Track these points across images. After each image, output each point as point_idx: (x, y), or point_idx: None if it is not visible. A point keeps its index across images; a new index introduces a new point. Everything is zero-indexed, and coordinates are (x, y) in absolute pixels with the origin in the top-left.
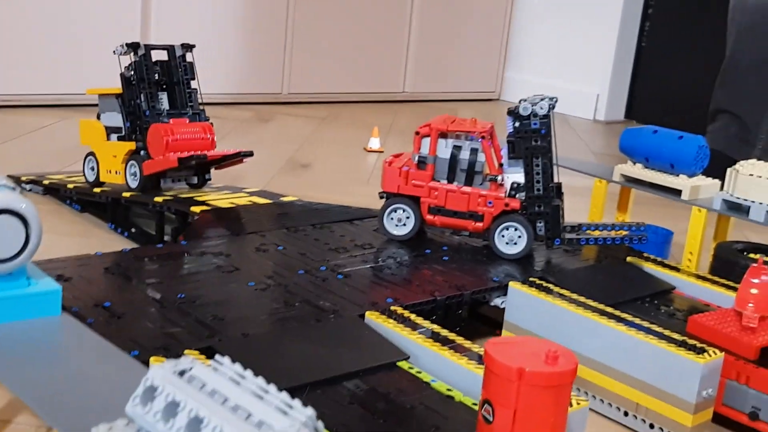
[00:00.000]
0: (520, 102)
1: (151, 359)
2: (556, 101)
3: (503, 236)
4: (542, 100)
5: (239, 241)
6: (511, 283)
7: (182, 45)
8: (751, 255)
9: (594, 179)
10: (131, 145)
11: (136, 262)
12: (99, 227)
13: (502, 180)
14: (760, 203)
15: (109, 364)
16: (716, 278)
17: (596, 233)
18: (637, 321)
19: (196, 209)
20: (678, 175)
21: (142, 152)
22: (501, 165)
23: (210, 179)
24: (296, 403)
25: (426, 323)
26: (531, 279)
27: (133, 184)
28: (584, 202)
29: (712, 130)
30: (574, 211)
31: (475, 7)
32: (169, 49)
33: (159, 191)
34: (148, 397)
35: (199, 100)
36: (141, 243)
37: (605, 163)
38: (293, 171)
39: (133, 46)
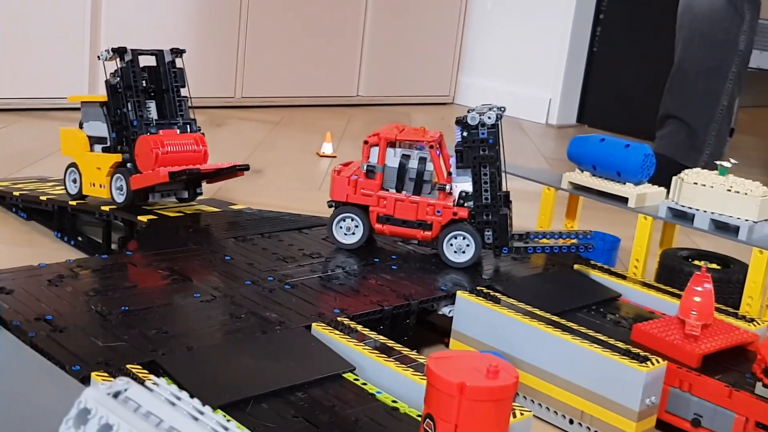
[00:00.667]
0: (468, 111)
1: (92, 375)
2: (504, 111)
3: (451, 245)
4: (490, 109)
5: (186, 252)
6: (458, 293)
7: (172, 50)
8: (696, 262)
9: (543, 186)
10: (117, 157)
11: (80, 273)
12: (45, 236)
13: (451, 189)
14: (705, 211)
15: (47, 382)
16: (661, 286)
17: (544, 242)
18: (583, 330)
19: (143, 218)
20: (624, 183)
21: (128, 165)
22: (450, 174)
23: (201, 193)
24: (232, 425)
25: (372, 334)
26: (478, 288)
27: (119, 198)
28: (534, 208)
29: (662, 135)
30: (524, 217)
31: (429, 12)
32: (158, 54)
33: (146, 206)
34: (81, 420)
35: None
36: (88, 252)
37: (557, 168)
38: (246, 177)
39: (119, 51)
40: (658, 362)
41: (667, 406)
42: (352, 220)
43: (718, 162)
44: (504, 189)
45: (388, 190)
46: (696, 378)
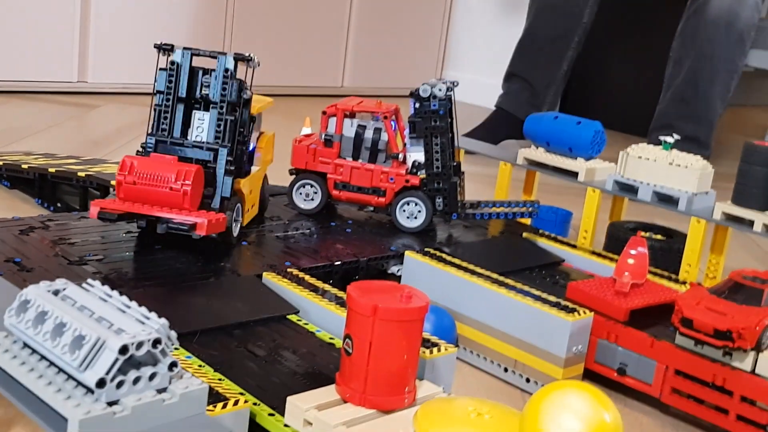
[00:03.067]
0: (421, 85)
1: None
2: (456, 84)
3: (404, 211)
4: (442, 83)
5: None
6: (407, 252)
7: (235, 56)
8: (640, 233)
9: (500, 163)
10: None
11: (50, 226)
12: (27, 203)
13: (404, 158)
14: (648, 184)
15: (3, 296)
16: (604, 252)
17: (492, 210)
18: (518, 286)
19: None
20: (576, 158)
21: None
22: (405, 144)
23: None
24: (153, 315)
25: (319, 284)
26: (426, 249)
27: None
28: (493, 188)
29: (507, 91)
30: (483, 196)
31: (415, 4)
32: (217, 57)
33: None
34: (22, 309)
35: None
36: None
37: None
38: None
39: (164, 49)
40: (584, 313)
41: (596, 356)
42: (311, 186)
43: (662, 137)
44: (456, 160)
45: (345, 159)
46: (622, 330)
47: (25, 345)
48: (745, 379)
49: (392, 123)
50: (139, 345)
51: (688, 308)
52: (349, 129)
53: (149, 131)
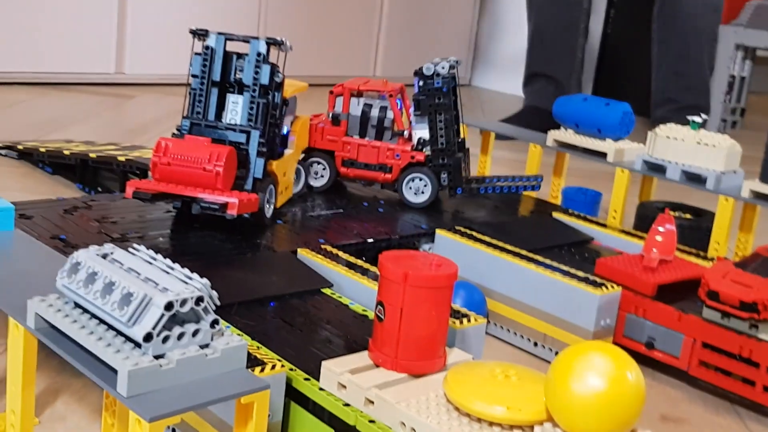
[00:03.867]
0: (425, 63)
1: None
2: (458, 63)
3: (410, 187)
4: (446, 61)
5: None
6: (438, 230)
7: (267, 40)
8: (671, 212)
9: (529, 145)
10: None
11: (92, 206)
12: (68, 187)
13: (409, 135)
14: (676, 163)
15: (53, 265)
16: (633, 231)
17: (497, 184)
18: (547, 262)
19: None
20: (605, 139)
21: None
22: (411, 122)
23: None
24: (195, 276)
25: (352, 259)
26: (457, 227)
27: None
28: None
29: (532, 91)
30: None
31: None
32: (250, 42)
33: None
34: (73, 271)
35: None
36: None
37: None
38: None
39: (198, 34)
40: (612, 287)
41: (625, 331)
42: (319, 164)
43: (690, 117)
44: (460, 136)
45: (352, 137)
46: (650, 304)
47: (76, 305)
48: None
49: (398, 101)
50: (183, 302)
51: (714, 281)
52: (356, 108)
53: (184, 114)
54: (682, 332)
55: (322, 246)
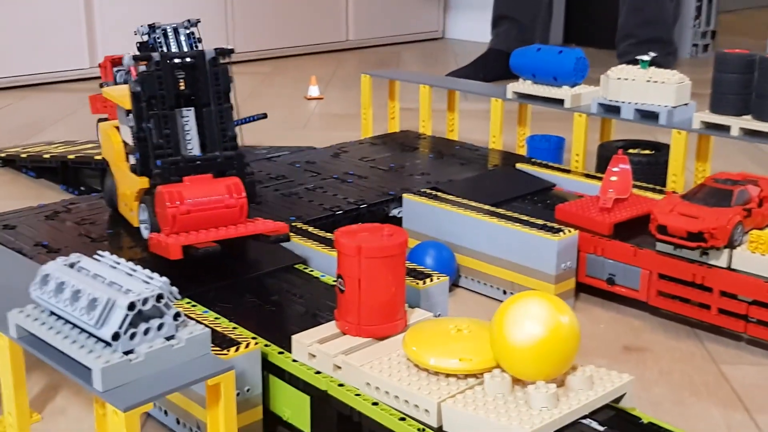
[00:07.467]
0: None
1: None
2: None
3: None
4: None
5: None
6: (404, 195)
7: (216, 50)
8: (630, 150)
9: (491, 99)
10: (143, 183)
11: (72, 209)
12: (52, 189)
13: None
14: (629, 103)
15: (32, 276)
16: (594, 173)
17: None
18: (509, 214)
19: None
20: (561, 87)
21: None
22: None
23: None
24: (155, 275)
25: (322, 233)
26: (422, 189)
27: (144, 234)
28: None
29: (497, 33)
30: (480, 132)
31: None
32: (197, 56)
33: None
34: (44, 282)
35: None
36: None
37: None
38: None
39: (142, 58)
40: (569, 232)
41: (587, 270)
42: None
43: (638, 57)
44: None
45: None
46: (608, 243)
47: (51, 313)
48: (723, 275)
49: None
50: (145, 301)
51: (662, 215)
52: None
53: (154, 152)
54: (639, 266)
55: (293, 224)
